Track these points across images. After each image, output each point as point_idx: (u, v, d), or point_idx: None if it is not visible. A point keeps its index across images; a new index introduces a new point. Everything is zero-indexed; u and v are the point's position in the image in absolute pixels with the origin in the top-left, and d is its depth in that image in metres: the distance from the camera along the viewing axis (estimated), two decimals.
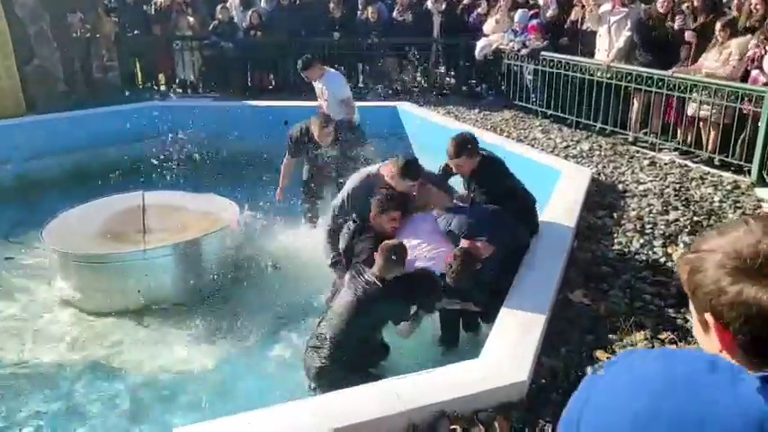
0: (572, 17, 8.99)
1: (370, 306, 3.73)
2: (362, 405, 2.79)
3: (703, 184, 6.14)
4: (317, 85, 6.90)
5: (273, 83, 10.64)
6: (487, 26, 9.70)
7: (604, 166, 6.69)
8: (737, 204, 5.61)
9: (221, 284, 5.30)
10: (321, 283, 4.86)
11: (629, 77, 7.40)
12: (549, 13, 9.27)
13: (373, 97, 9.88)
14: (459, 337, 4.43)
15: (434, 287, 3.92)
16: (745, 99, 6.18)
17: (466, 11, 10.49)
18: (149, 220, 5.49)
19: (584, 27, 8.65)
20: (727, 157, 6.51)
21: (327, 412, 2.74)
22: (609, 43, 7.87)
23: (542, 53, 8.52)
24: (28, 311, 5.18)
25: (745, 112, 6.25)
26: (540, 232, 4.61)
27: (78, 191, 6.33)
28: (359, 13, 10.46)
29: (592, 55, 8.21)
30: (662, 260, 4.55)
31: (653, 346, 3.45)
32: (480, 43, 9.55)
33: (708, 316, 0.98)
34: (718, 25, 6.56)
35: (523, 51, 8.83)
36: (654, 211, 5.44)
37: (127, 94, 9.71)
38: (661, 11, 7.54)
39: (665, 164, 6.74)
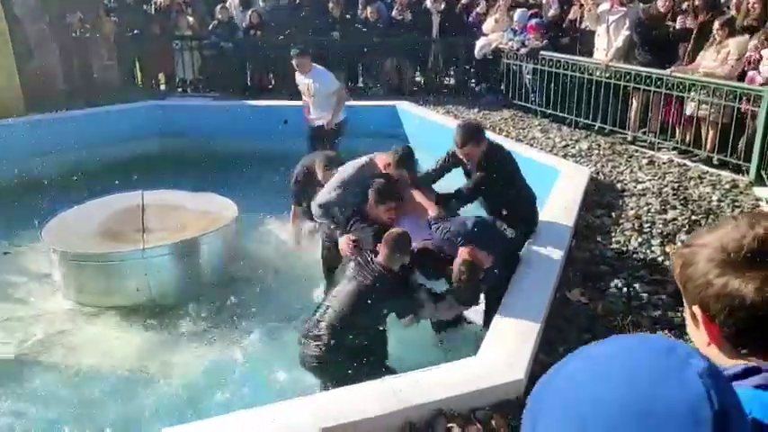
0: (570, 16, 9.00)
1: (375, 295, 3.70)
2: (360, 403, 2.80)
3: (702, 183, 6.15)
4: (304, 80, 6.84)
5: (273, 82, 10.64)
6: (487, 25, 9.71)
7: (603, 166, 6.70)
8: (736, 203, 5.62)
9: (220, 283, 5.30)
10: (320, 282, 4.87)
11: (627, 77, 7.41)
12: (551, 12, 9.27)
13: (372, 96, 9.89)
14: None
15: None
16: (744, 98, 6.19)
17: (465, 10, 10.50)
18: (148, 220, 5.50)
19: (583, 26, 8.66)
20: (725, 156, 6.52)
21: (325, 410, 2.75)
22: (607, 42, 7.88)
23: (541, 52, 8.53)
24: (27, 310, 5.19)
25: (743, 111, 6.26)
26: (539, 231, 4.62)
27: (77, 190, 6.32)
28: (358, 12, 10.46)
29: (590, 54, 8.22)
30: (660, 259, 4.57)
31: None
32: (479, 42, 9.55)
33: (696, 308, 1.00)
34: (716, 24, 6.57)
35: (522, 51, 8.84)
36: (652, 210, 5.45)
37: (126, 93, 9.70)
38: (662, 10, 7.56)
39: (664, 163, 6.75)
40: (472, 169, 4.46)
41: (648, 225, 5.13)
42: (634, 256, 4.63)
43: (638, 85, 7.31)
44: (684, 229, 5.02)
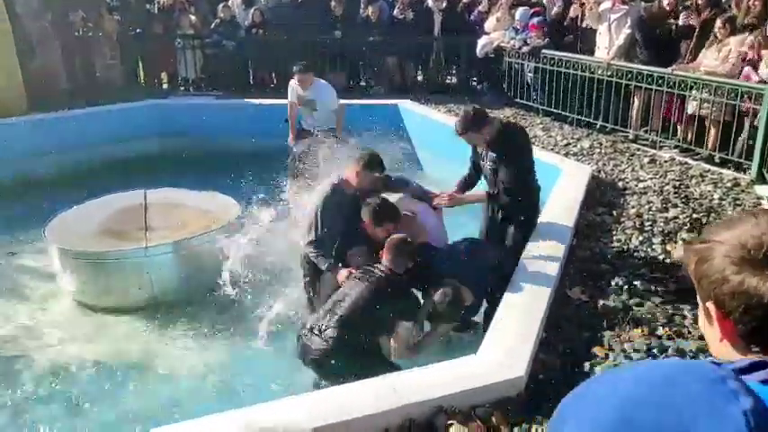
0: (571, 14, 9.00)
1: (385, 295, 3.73)
2: (360, 400, 2.81)
3: (703, 181, 6.15)
4: (305, 94, 6.79)
5: (275, 81, 10.65)
6: (488, 24, 9.71)
7: (605, 164, 6.71)
8: (737, 202, 5.62)
9: (221, 282, 5.32)
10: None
11: (629, 75, 7.41)
12: (555, 9, 9.27)
13: (374, 95, 9.90)
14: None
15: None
16: (745, 96, 6.19)
17: (466, 9, 10.50)
18: (151, 218, 5.52)
19: (584, 25, 8.66)
20: (727, 154, 6.52)
21: (325, 407, 2.76)
22: (609, 41, 7.87)
23: (543, 51, 8.53)
24: (30, 308, 5.22)
25: (744, 109, 6.26)
26: (539, 229, 4.63)
27: (80, 189, 6.35)
28: (360, 10, 10.47)
29: (592, 53, 8.22)
30: (661, 257, 4.57)
31: (650, 343, 3.47)
32: (481, 41, 9.56)
33: (710, 305, 1.00)
34: (718, 22, 6.57)
35: (524, 49, 8.84)
36: (653, 208, 5.45)
37: (129, 92, 9.72)
38: (667, 8, 7.56)
39: (665, 161, 6.75)
40: (485, 152, 4.44)
41: (649, 223, 5.14)
42: (635, 254, 4.63)
43: (639, 84, 7.31)
44: (685, 228, 5.03)
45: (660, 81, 7.00)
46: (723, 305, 0.98)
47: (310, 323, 3.75)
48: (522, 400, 3.01)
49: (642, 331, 3.60)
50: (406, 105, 9.04)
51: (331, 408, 2.75)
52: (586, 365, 3.28)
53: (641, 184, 6.05)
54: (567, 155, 6.98)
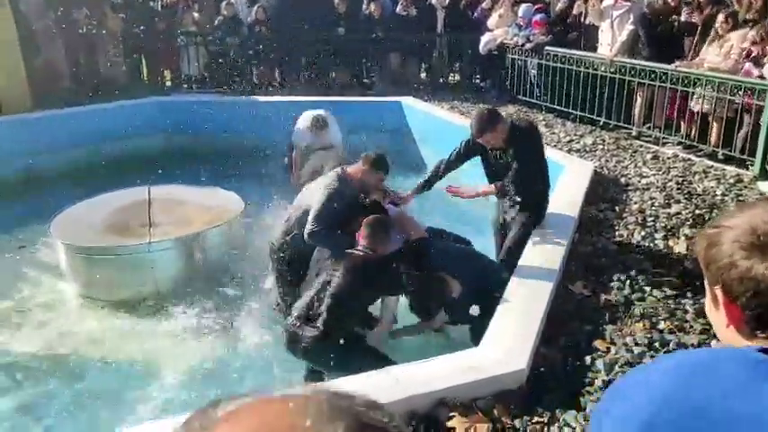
0: (575, 11, 9.00)
1: (368, 269, 3.72)
2: (361, 392, 2.83)
3: (706, 177, 6.15)
4: (322, 141, 6.73)
5: (279, 78, 10.68)
6: (491, 21, 9.72)
7: (607, 161, 6.71)
8: (740, 198, 5.62)
9: (225, 277, 5.35)
10: None
11: (632, 72, 7.41)
12: (558, 6, 9.27)
13: (377, 92, 9.91)
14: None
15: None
16: (748, 92, 6.18)
17: (469, 6, 10.50)
18: (155, 214, 5.54)
19: (587, 22, 8.66)
20: (730, 151, 6.51)
21: None
22: (612, 38, 7.87)
23: (546, 48, 8.53)
24: (35, 302, 5.25)
25: (745, 106, 6.26)
26: (542, 224, 4.65)
27: (85, 185, 6.39)
28: (363, 7, 10.48)
29: (595, 49, 8.22)
30: (663, 252, 4.58)
31: (652, 337, 3.48)
32: (484, 38, 9.56)
33: (718, 290, 0.99)
34: (720, 17, 6.56)
35: (527, 46, 8.84)
36: (656, 204, 5.46)
37: (132, 90, 9.76)
38: (672, 3, 7.56)
39: (668, 158, 6.76)
40: (501, 151, 4.46)
41: (652, 219, 5.14)
42: (637, 249, 4.64)
43: (642, 80, 7.30)
44: (688, 223, 5.03)
45: (663, 77, 7.00)
46: (730, 291, 0.97)
47: (298, 312, 3.73)
48: (524, 393, 3.03)
49: (644, 325, 3.61)
50: (409, 102, 9.04)
51: None
52: (588, 359, 3.30)
53: (644, 181, 6.05)
54: (569, 151, 6.99)
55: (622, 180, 6.10)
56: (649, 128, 7.58)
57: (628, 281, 4.11)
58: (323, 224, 4.13)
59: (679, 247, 4.63)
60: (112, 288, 5.19)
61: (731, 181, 6.02)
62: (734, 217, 1.00)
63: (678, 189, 5.80)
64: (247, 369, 4.31)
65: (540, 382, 3.11)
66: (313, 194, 4.34)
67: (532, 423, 2.85)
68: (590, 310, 3.80)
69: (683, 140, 7.10)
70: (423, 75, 10.98)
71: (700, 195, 5.66)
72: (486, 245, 5.02)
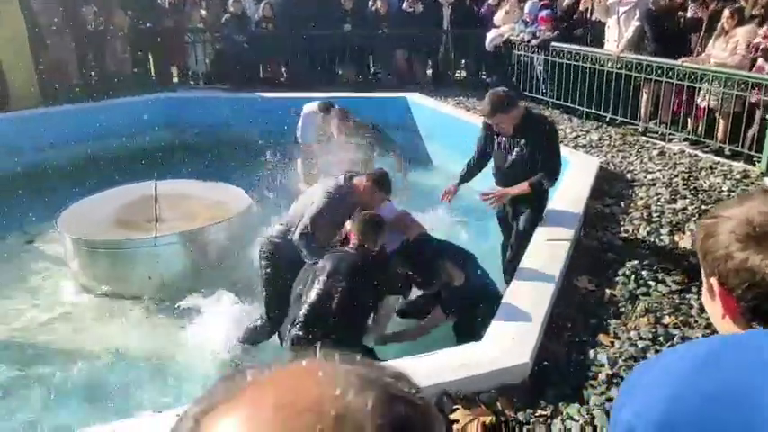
0: (580, 7, 8.97)
1: (359, 267, 3.67)
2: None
3: (713, 173, 6.13)
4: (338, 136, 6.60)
5: (285, 75, 10.69)
6: (497, 17, 9.69)
7: (613, 156, 6.70)
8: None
9: (231, 272, 5.37)
10: None
11: (638, 67, 7.38)
12: (566, 2, 9.24)
13: (383, 88, 9.91)
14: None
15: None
16: (756, 88, 6.16)
17: (475, 2, 10.49)
18: (161, 209, 5.57)
19: (594, 17, 8.64)
20: (737, 146, 6.49)
21: None
22: (618, 34, 7.84)
23: (552, 44, 8.51)
24: (43, 295, 5.30)
25: (754, 101, 6.23)
26: (547, 219, 4.65)
27: (92, 180, 6.43)
28: (369, 4, 10.48)
29: (601, 45, 8.19)
30: (668, 248, 4.57)
31: (656, 331, 3.48)
32: (490, 34, 9.54)
33: (714, 281, 0.99)
34: (725, 12, 6.53)
35: (534, 42, 8.82)
36: (662, 199, 5.45)
37: (140, 86, 9.79)
38: (678, 0, 7.53)
39: (675, 153, 6.73)
40: (505, 137, 4.43)
41: (657, 214, 5.13)
42: (642, 244, 4.64)
43: (648, 76, 7.28)
44: (694, 219, 5.02)
45: (670, 73, 6.98)
46: (726, 282, 0.97)
47: (293, 316, 3.71)
48: (527, 387, 3.04)
49: (648, 320, 3.61)
50: (415, 98, 9.04)
51: None
52: (591, 353, 3.30)
53: (650, 176, 6.04)
54: (575, 147, 6.98)
55: (628, 176, 6.09)
56: (656, 124, 7.55)
57: (633, 276, 4.10)
58: (315, 227, 4.08)
59: (684, 242, 4.62)
60: (119, 282, 5.23)
61: (738, 177, 6.00)
62: (731, 208, 1.00)
63: (684, 185, 5.78)
64: (253, 363, 4.33)
65: (543, 375, 3.12)
66: (312, 197, 4.30)
67: (536, 416, 2.86)
68: (594, 305, 3.80)
69: (689, 136, 7.08)
70: (429, 71, 10.97)
71: (706, 191, 5.64)
72: (492, 245, 5.04)
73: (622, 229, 4.89)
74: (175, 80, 10.78)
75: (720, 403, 0.86)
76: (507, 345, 3.18)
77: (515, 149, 4.39)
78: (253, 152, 7.04)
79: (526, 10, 9.23)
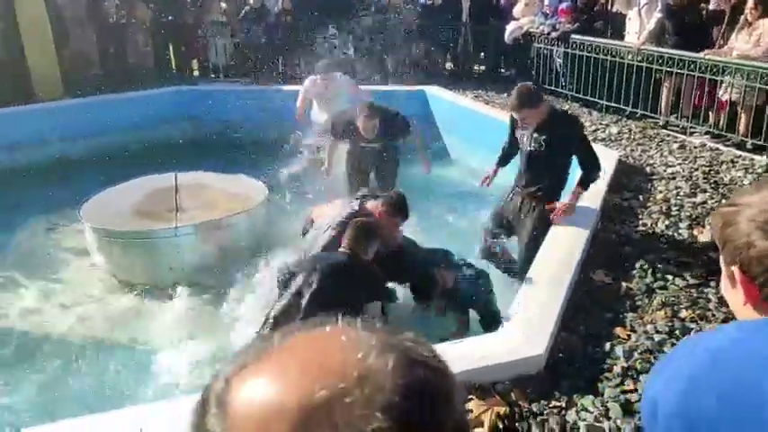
0: None
1: (344, 271, 3.56)
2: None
3: (734, 167, 6.06)
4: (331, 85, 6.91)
5: (303, 67, 10.71)
6: (517, 9, 9.63)
7: (633, 150, 6.65)
8: None
9: (248, 263, 5.42)
10: None
11: (660, 60, 7.30)
12: None
13: (401, 81, 9.90)
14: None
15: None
16: None
17: None
18: (181, 200, 5.64)
19: (614, 9, 8.56)
20: (759, 140, 6.41)
21: None
22: (639, 26, 7.76)
23: (572, 36, 8.45)
24: (65, 284, 5.39)
25: None
26: None
27: (113, 171, 6.52)
28: None
29: (622, 38, 8.12)
30: (687, 241, 4.54)
31: (673, 325, 3.47)
32: (510, 27, 9.49)
33: (735, 269, 0.99)
34: (749, 3, 6.43)
35: (554, 35, 8.76)
36: (681, 193, 5.41)
37: (160, 79, 9.90)
38: None
39: (696, 147, 6.67)
40: (532, 134, 4.42)
41: (677, 208, 5.10)
42: (661, 238, 4.61)
43: (670, 69, 7.20)
44: (714, 213, 4.97)
45: (691, 66, 6.90)
46: (748, 270, 0.97)
47: (275, 315, 3.65)
48: (542, 378, 3.05)
49: (665, 313, 3.59)
50: (434, 91, 9.03)
51: None
52: (607, 346, 3.30)
53: (670, 170, 5.99)
54: (594, 140, 6.89)
55: (648, 169, 6.04)
56: (677, 117, 7.47)
57: (650, 269, 4.09)
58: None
59: (704, 236, 4.58)
60: (140, 271, 5.31)
61: (759, 171, 5.93)
62: (748, 195, 1.00)
63: (704, 178, 5.73)
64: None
65: (558, 367, 3.13)
66: (326, 225, 4.26)
67: (550, 407, 2.87)
68: (611, 298, 3.80)
69: (711, 129, 7.00)
70: (448, 64, 10.94)
71: (726, 185, 5.59)
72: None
73: (640, 222, 4.86)
74: (196, 73, 10.87)
75: (734, 399, 0.87)
76: (522, 336, 3.19)
77: (533, 144, 4.38)
78: (271, 145, 7.09)
79: (546, 2, 9.17)
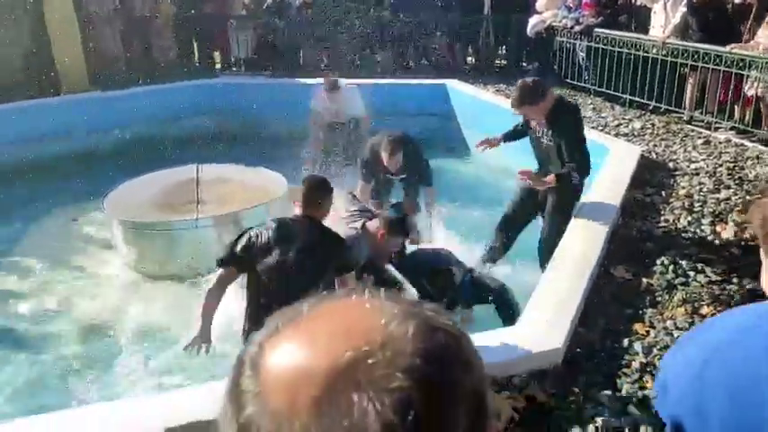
0: None
1: (312, 248, 3.29)
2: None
3: (759, 163, 5.97)
4: (335, 105, 6.90)
5: (325, 60, 10.74)
6: (540, 2, 9.54)
7: (656, 145, 6.58)
8: None
9: None
10: None
11: (684, 54, 7.20)
12: None
13: (422, 74, 9.88)
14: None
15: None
16: None
17: None
18: (203, 192, 5.70)
19: (639, 3, 8.45)
20: None
21: None
22: (665, 19, 7.66)
23: (596, 30, 8.36)
24: (89, 275, 5.49)
25: None
26: (584, 207, 4.62)
27: (136, 163, 6.61)
28: None
29: (646, 31, 8.02)
30: (709, 238, 4.49)
31: (693, 321, 3.44)
32: (532, 20, 9.41)
33: None
34: None
35: (577, 28, 8.68)
36: (704, 189, 5.34)
37: (183, 72, 9.99)
38: None
39: (720, 143, 6.58)
40: (541, 128, 4.41)
41: (700, 204, 5.04)
42: (683, 234, 4.56)
43: (695, 63, 7.10)
44: (737, 209, 4.91)
45: (717, 60, 6.79)
46: None
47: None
48: (559, 372, 3.04)
49: (686, 310, 3.56)
50: (454, 85, 9.00)
51: None
52: (626, 341, 3.28)
53: (693, 165, 5.91)
54: (617, 135, 6.87)
55: (671, 165, 5.98)
56: (701, 112, 7.37)
57: (671, 265, 4.04)
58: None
59: (726, 233, 4.53)
60: (162, 263, 5.38)
61: None
62: None
63: (729, 174, 5.65)
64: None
65: (576, 362, 3.12)
66: None
67: (567, 402, 2.86)
68: (631, 294, 3.77)
69: (736, 125, 6.90)
70: (469, 58, 10.89)
71: (751, 181, 5.50)
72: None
73: (662, 218, 4.81)
74: (218, 66, 10.94)
75: (743, 382, 0.88)
76: (541, 330, 3.19)
77: (545, 138, 4.37)
78: (292, 138, 7.13)
79: None
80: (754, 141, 6.54)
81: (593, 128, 7.07)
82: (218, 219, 5.36)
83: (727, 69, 6.73)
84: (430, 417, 0.49)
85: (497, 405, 2.75)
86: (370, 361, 0.50)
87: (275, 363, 0.53)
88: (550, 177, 4.34)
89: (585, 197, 4.82)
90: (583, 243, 4.13)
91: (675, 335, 3.32)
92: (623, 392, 2.90)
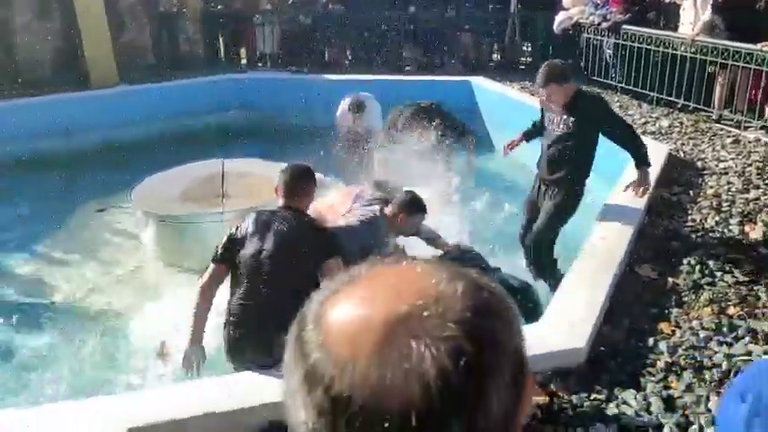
0: None
1: (296, 240, 3.19)
2: None
3: None
4: (360, 125, 6.71)
5: (350, 57, 10.77)
6: None
7: (684, 144, 6.49)
8: None
9: None
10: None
11: (714, 52, 7.09)
12: None
13: (448, 71, 9.86)
14: None
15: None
16: None
17: None
18: (228, 186, 5.76)
19: (668, 0, 8.34)
20: None
21: None
22: (694, 16, 7.55)
23: (624, 27, 8.27)
24: (116, 265, 5.58)
25: None
26: (610, 206, 4.59)
27: (164, 156, 6.69)
28: None
29: (674, 28, 7.91)
30: (737, 238, 4.43)
31: (719, 321, 3.40)
32: (559, 17, 9.34)
33: None
34: None
35: (604, 25, 8.59)
36: (733, 189, 5.26)
37: (210, 67, 10.08)
38: None
39: (750, 142, 6.47)
40: (558, 116, 4.37)
41: (728, 204, 4.97)
42: (710, 234, 4.50)
43: (725, 61, 6.98)
44: (766, 209, 4.84)
45: (747, 58, 6.68)
46: None
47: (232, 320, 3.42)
48: (582, 371, 3.03)
49: (712, 310, 3.52)
50: (480, 82, 8.97)
51: None
52: (651, 341, 3.26)
53: (722, 165, 5.83)
54: (644, 133, 6.75)
55: (699, 164, 5.90)
56: (731, 111, 7.25)
57: (698, 265, 4.00)
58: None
59: (755, 233, 4.46)
60: (188, 254, 5.44)
61: None
62: None
63: (758, 174, 5.56)
64: None
65: (600, 360, 3.10)
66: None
67: (590, 400, 2.85)
68: (657, 293, 3.74)
69: (766, 124, 6.78)
70: (494, 55, 10.83)
71: None
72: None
73: (689, 217, 4.76)
74: (244, 62, 11.03)
75: None
76: (565, 328, 3.18)
77: (561, 126, 4.34)
78: (316, 133, 7.16)
79: None
80: None
81: None
82: (243, 212, 5.40)
83: (757, 67, 6.62)
84: (479, 364, 0.54)
85: None
86: (425, 314, 0.55)
87: (337, 316, 0.57)
88: (643, 172, 4.37)
89: (611, 196, 4.79)
90: (609, 241, 4.10)
91: (701, 335, 3.29)
92: (647, 391, 2.89)
